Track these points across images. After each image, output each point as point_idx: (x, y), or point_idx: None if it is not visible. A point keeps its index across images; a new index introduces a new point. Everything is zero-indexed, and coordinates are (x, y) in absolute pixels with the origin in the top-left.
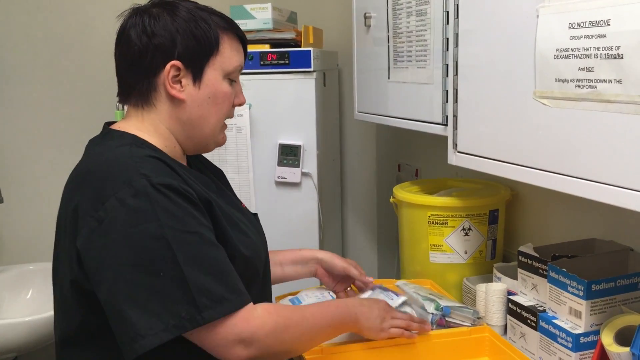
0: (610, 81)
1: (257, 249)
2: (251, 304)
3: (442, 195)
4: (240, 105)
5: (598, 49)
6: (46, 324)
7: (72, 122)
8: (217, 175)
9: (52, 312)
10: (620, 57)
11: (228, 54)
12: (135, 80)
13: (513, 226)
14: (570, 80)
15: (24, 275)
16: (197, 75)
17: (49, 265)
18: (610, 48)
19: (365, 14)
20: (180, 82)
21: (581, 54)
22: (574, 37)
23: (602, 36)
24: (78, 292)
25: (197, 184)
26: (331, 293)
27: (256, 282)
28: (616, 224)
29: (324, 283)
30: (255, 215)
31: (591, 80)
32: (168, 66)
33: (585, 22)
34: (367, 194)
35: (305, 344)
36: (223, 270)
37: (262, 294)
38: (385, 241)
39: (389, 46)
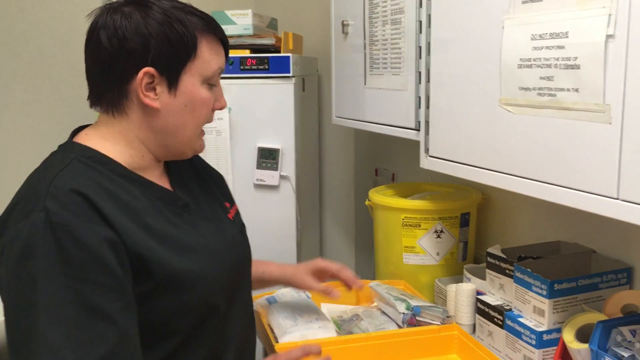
0: (568, 90)
1: (202, 270)
2: None
3: (415, 198)
4: (220, 109)
5: (557, 59)
6: None
7: (55, 123)
8: (212, 180)
9: None
10: (577, 67)
11: (207, 58)
12: (106, 86)
13: (484, 229)
14: (532, 89)
15: None
16: (172, 83)
17: None
18: (568, 59)
19: (343, 21)
20: (155, 90)
21: (542, 64)
22: (536, 48)
23: (561, 47)
24: None
25: (128, 213)
26: (307, 292)
27: (214, 307)
28: (580, 227)
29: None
30: (242, 228)
31: (551, 89)
32: (141, 73)
33: (546, 33)
34: (345, 197)
35: None
36: (82, 338)
37: (230, 316)
38: (362, 243)
39: (365, 53)
